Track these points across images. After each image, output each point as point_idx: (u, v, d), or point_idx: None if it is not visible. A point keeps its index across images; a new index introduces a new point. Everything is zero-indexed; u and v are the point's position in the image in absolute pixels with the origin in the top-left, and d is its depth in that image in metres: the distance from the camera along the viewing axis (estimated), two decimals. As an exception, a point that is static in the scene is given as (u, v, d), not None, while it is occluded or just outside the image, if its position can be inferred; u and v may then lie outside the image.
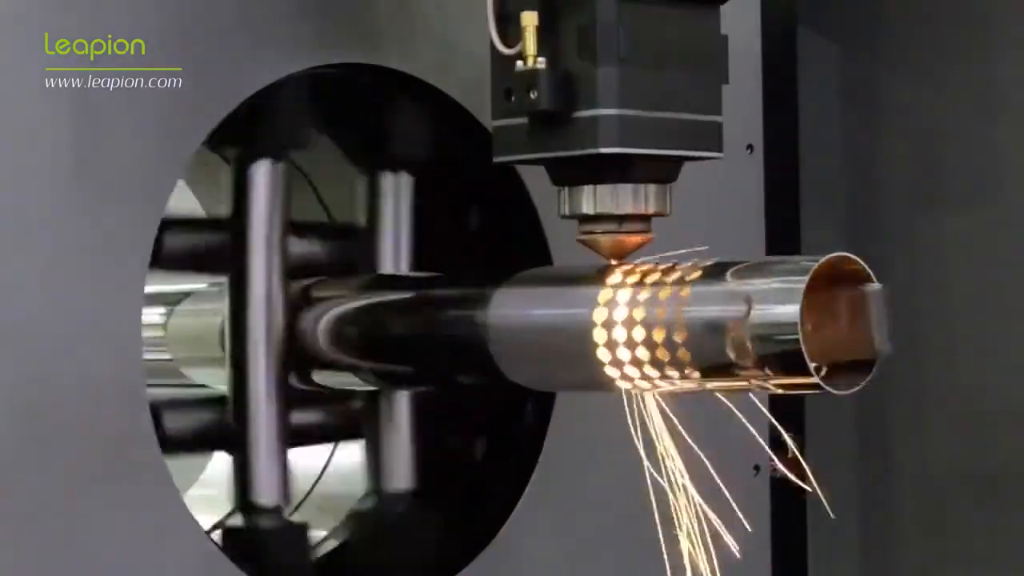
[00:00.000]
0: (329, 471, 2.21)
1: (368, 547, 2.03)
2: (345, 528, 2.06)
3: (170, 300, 2.15)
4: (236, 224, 1.92)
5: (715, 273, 1.55)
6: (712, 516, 1.64)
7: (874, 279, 1.52)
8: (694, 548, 1.63)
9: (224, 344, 1.95)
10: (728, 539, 1.65)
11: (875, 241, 2.67)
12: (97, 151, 1.67)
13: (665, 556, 1.67)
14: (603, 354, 1.58)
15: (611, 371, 1.58)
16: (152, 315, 2.11)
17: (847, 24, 2.68)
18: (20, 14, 1.63)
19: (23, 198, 1.63)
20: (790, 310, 1.46)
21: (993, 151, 2.56)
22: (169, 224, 1.80)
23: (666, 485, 1.62)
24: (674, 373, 1.55)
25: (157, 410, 1.77)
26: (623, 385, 1.59)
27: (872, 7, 2.65)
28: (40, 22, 1.64)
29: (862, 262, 1.52)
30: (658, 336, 1.54)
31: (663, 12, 1.62)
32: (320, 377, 1.98)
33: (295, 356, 1.95)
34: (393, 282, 1.97)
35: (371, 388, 2.02)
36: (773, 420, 1.67)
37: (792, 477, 1.70)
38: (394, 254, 2.02)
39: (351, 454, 2.15)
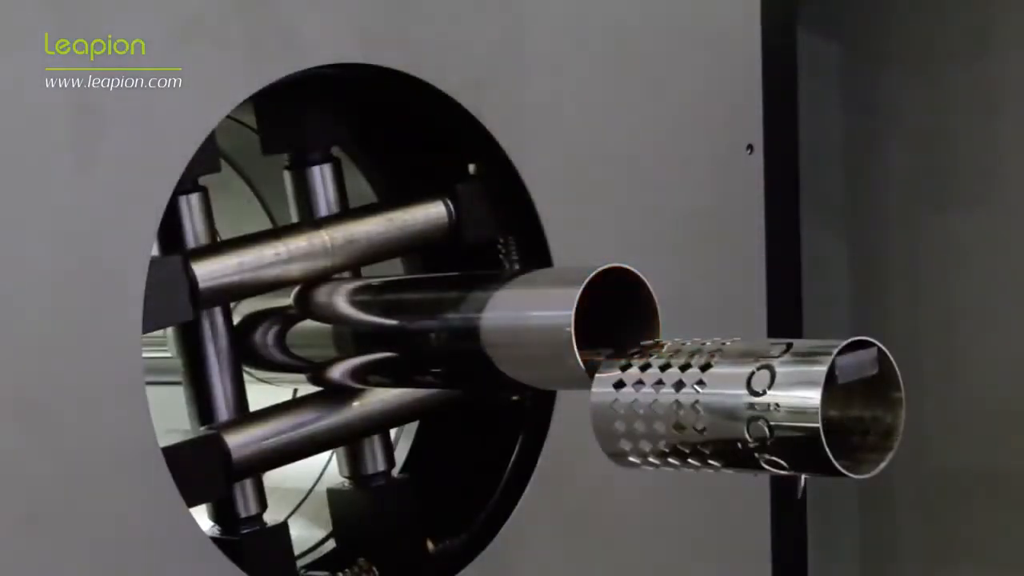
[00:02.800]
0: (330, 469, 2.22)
1: (364, 545, 2.03)
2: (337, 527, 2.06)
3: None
4: None
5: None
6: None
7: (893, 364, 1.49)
8: None
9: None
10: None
11: (875, 241, 2.67)
12: (97, 151, 1.67)
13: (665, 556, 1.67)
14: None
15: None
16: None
17: (847, 24, 2.69)
18: (20, 14, 1.63)
19: (23, 198, 1.63)
20: (811, 401, 1.43)
21: (994, 151, 2.57)
22: None
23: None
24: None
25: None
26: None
27: (872, 7, 2.65)
28: (40, 22, 1.64)
29: (881, 345, 1.48)
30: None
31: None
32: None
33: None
34: (394, 284, 1.97)
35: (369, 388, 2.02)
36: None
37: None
38: None
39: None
